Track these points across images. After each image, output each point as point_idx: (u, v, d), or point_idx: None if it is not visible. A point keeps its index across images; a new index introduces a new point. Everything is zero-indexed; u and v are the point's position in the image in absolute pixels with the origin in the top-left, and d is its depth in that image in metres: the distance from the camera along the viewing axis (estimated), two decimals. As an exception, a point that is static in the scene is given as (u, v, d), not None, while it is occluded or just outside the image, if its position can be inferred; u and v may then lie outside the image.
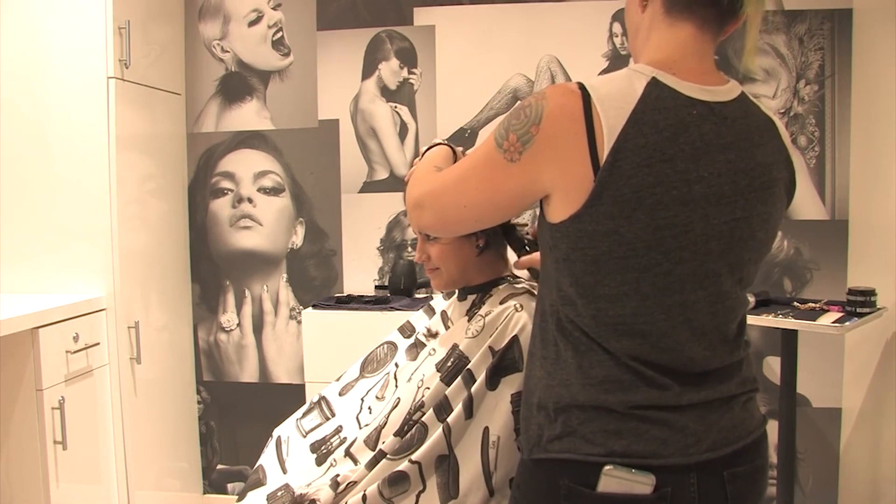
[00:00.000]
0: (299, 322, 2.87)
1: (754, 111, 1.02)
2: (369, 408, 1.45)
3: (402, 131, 2.81)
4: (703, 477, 0.96)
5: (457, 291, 1.48)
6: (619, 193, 0.90)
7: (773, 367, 2.60)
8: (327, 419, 1.51)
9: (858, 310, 2.14)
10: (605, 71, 2.61)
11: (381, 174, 2.82)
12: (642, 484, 0.94)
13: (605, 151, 0.90)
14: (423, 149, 1.33)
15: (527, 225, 1.44)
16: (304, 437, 1.50)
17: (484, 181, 1.01)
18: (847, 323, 2.07)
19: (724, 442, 0.98)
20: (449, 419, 1.26)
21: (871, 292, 2.15)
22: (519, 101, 1.01)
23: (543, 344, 1.03)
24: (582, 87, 0.94)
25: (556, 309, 1.01)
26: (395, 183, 2.80)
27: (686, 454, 0.95)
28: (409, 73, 2.79)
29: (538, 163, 0.95)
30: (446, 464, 1.25)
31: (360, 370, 1.58)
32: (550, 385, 1.01)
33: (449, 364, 1.33)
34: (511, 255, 1.46)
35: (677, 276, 0.94)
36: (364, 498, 1.25)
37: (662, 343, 0.96)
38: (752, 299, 2.30)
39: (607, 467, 0.95)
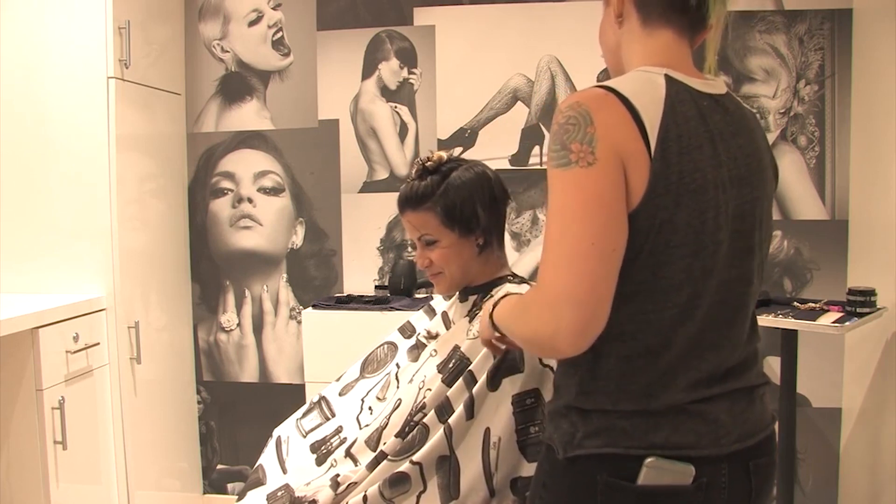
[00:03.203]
0: (299, 322, 2.87)
1: (741, 104, 1.08)
2: (370, 408, 1.45)
3: (402, 131, 2.81)
4: (732, 467, 0.98)
5: (457, 292, 1.48)
6: (668, 182, 0.92)
7: (773, 367, 2.59)
8: (327, 419, 1.51)
9: (858, 310, 2.14)
10: (605, 71, 2.60)
11: (381, 174, 2.82)
12: (683, 475, 0.95)
13: (653, 143, 0.92)
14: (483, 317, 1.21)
15: None
16: (304, 437, 1.50)
17: (589, 208, 0.91)
18: (847, 323, 2.07)
19: (749, 434, 1.01)
20: (450, 420, 1.26)
21: (871, 292, 2.15)
22: (552, 130, 0.95)
23: None
24: (608, 87, 0.95)
25: None
26: (395, 183, 2.80)
27: (718, 445, 0.97)
28: (409, 73, 2.79)
29: (612, 156, 0.91)
30: (447, 465, 1.25)
31: (360, 370, 1.58)
32: (586, 391, 1.01)
33: (450, 365, 1.33)
34: (511, 257, 1.46)
35: (719, 257, 0.98)
36: (365, 499, 1.26)
37: (709, 324, 0.98)
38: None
39: (649, 459, 0.95)
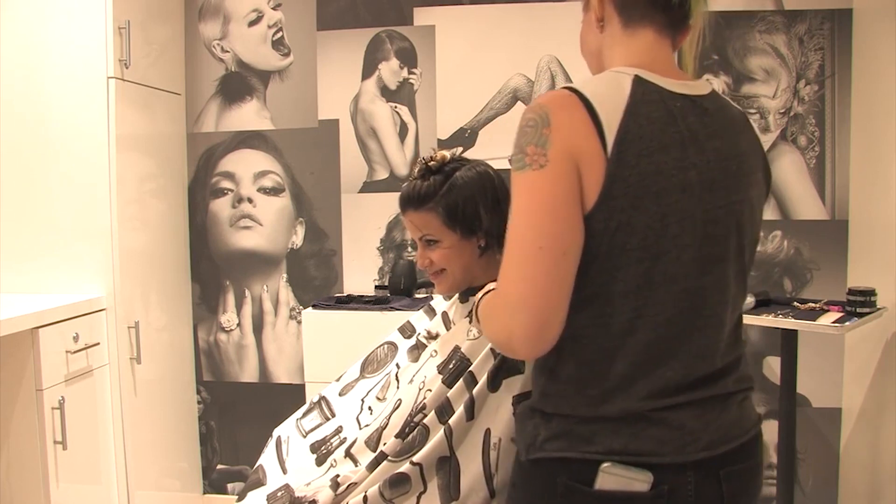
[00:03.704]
0: (299, 322, 2.87)
1: (728, 104, 1.06)
2: (369, 408, 1.45)
3: (402, 131, 2.81)
4: (699, 475, 0.97)
5: (458, 293, 1.47)
6: (626, 184, 0.91)
7: (773, 367, 2.60)
8: (327, 419, 1.51)
9: (858, 310, 2.14)
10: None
11: (381, 174, 2.82)
12: (640, 481, 0.95)
13: (610, 144, 0.91)
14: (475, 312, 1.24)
15: None
16: (305, 437, 1.50)
17: (538, 211, 0.92)
18: (847, 323, 2.07)
19: (721, 441, 0.99)
20: (450, 421, 1.26)
21: (871, 292, 2.15)
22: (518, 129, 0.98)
23: None
24: (572, 89, 0.95)
25: None
26: (395, 183, 2.80)
27: (683, 452, 0.96)
28: (409, 73, 2.79)
29: (564, 157, 0.92)
30: (447, 465, 1.25)
31: (360, 370, 1.58)
32: (547, 393, 1.02)
33: (451, 366, 1.33)
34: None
35: (684, 263, 0.96)
36: (365, 499, 1.25)
37: (673, 331, 0.97)
38: (751, 299, 2.30)
39: (605, 464, 0.95)
